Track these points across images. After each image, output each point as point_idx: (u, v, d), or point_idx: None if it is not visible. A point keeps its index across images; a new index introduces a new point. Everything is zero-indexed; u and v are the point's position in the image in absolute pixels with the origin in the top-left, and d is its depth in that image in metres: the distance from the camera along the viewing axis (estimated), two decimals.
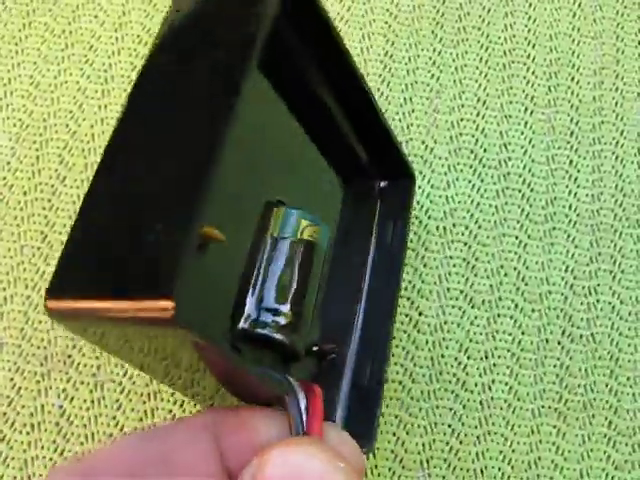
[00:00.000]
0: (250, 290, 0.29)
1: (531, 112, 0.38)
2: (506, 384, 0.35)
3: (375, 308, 0.33)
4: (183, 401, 0.34)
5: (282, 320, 0.30)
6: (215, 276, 0.26)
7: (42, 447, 0.33)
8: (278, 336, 0.29)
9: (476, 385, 0.35)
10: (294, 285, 0.30)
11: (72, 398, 0.34)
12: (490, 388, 0.35)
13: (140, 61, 0.39)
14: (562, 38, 0.39)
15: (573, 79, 0.39)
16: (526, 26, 0.39)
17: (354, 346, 0.33)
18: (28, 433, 0.33)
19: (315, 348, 0.31)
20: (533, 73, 0.39)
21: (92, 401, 0.34)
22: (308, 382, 0.26)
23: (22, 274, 0.36)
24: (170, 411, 0.34)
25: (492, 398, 0.35)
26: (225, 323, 0.27)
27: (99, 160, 0.23)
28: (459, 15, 0.40)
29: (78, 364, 0.34)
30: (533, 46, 0.39)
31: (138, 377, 0.35)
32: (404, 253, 0.33)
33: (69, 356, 0.35)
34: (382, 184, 0.35)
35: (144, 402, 0.34)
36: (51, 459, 0.33)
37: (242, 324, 0.28)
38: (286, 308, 0.29)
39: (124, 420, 0.34)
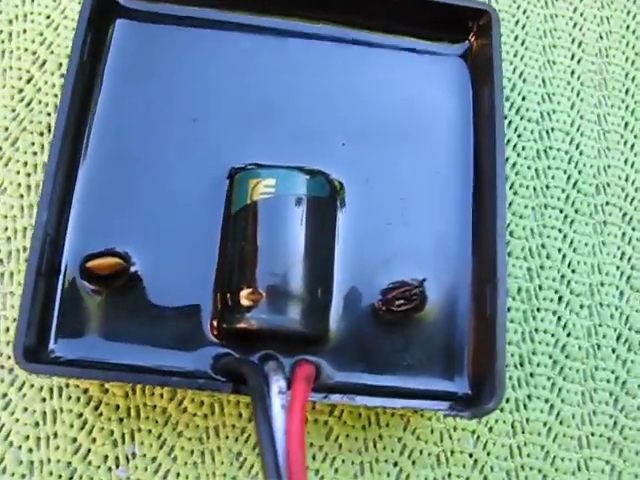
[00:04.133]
0: (225, 286, 0.20)
1: (579, 60, 0.27)
2: (546, 401, 0.23)
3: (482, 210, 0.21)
4: None
5: (248, 302, 0.19)
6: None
7: None
8: (255, 324, 0.19)
9: (507, 401, 0.23)
10: (264, 261, 0.19)
11: None
12: (526, 406, 0.23)
13: None
14: None
15: (628, 28, 0.27)
16: None
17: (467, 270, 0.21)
18: None
19: (399, 299, 0.20)
20: (581, 15, 0.27)
21: None
22: (301, 361, 0.19)
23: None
24: None
25: (527, 420, 0.23)
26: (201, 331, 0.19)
27: None
28: None
29: None
30: None
31: None
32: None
33: None
34: None
35: None
36: None
37: (227, 324, 0.19)
38: (258, 288, 0.19)
39: None
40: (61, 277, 0.19)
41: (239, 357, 0.19)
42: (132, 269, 0.19)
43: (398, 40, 0.22)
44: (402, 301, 0.20)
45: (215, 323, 0.19)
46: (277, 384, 0.17)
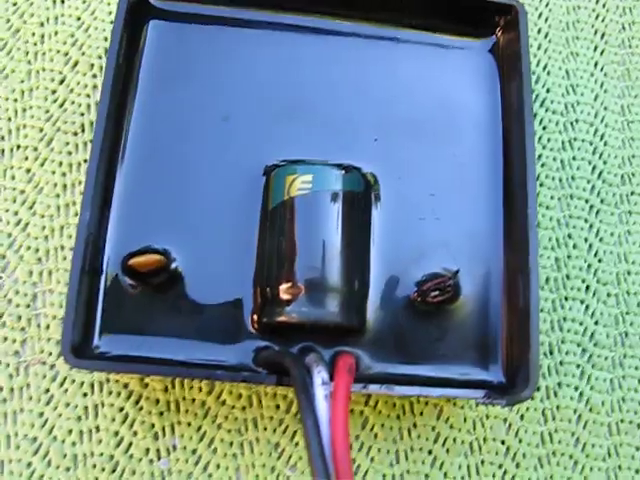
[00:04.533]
0: (264, 281, 0.20)
1: (602, 51, 0.27)
2: (576, 389, 0.23)
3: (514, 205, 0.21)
4: None
5: (288, 296, 0.19)
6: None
7: None
8: (296, 317, 0.19)
9: (538, 389, 0.23)
10: (304, 255, 0.20)
11: None
12: (556, 394, 0.23)
13: None
14: None
15: None
16: None
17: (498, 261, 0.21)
18: None
19: (434, 291, 0.20)
20: (604, 6, 0.28)
21: None
22: (342, 352, 0.20)
23: None
24: None
25: (558, 407, 0.23)
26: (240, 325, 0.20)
27: None
28: None
29: None
30: None
31: None
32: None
33: None
34: None
35: None
36: None
37: (267, 318, 0.20)
38: (297, 282, 0.19)
39: None
40: (104, 275, 0.20)
41: (281, 349, 0.19)
42: (172, 266, 0.20)
43: (426, 36, 0.23)
44: (437, 292, 0.20)
45: (255, 317, 0.20)
46: (320, 375, 0.17)
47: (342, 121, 0.22)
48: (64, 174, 0.23)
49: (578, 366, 0.23)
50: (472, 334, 0.20)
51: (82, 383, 0.22)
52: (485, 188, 0.21)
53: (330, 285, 0.19)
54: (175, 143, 0.21)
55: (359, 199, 0.20)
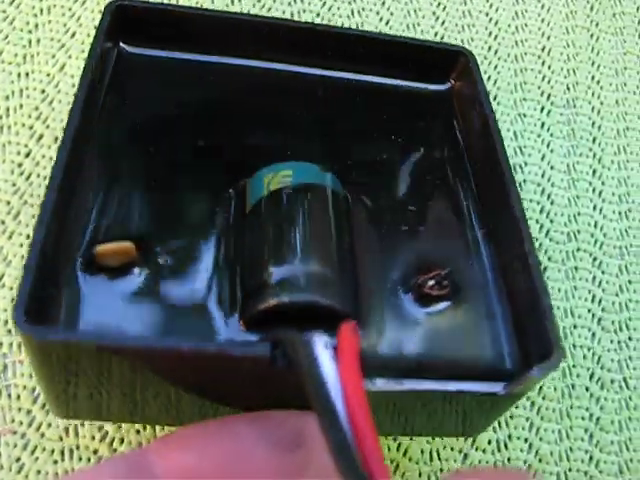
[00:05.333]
0: (246, 279, 0.20)
1: (548, 112, 0.28)
2: (525, 440, 0.25)
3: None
4: None
5: (274, 279, 0.19)
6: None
7: None
8: (277, 300, 0.19)
9: (489, 442, 0.24)
10: (282, 243, 0.20)
11: None
12: (506, 446, 0.25)
13: (75, 23, 0.28)
14: (579, 32, 0.30)
15: (593, 78, 0.29)
16: (539, 15, 0.30)
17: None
18: None
19: (430, 280, 0.20)
20: (549, 68, 0.29)
21: None
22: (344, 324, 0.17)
23: None
24: None
25: (509, 459, 0.24)
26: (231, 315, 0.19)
27: None
28: None
29: None
30: (548, 38, 0.30)
31: None
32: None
33: None
34: None
35: None
36: None
37: (251, 310, 0.19)
38: (282, 267, 0.19)
39: None
40: (71, 266, 0.18)
41: (272, 332, 0.18)
42: (146, 270, 0.19)
43: (385, 80, 0.24)
44: (433, 282, 0.20)
45: (240, 314, 0.19)
46: (322, 340, 0.16)
47: (309, 157, 0.22)
48: None
49: (527, 419, 0.25)
50: (477, 328, 0.20)
51: (52, 451, 0.23)
52: (462, 208, 0.22)
53: (310, 267, 0.19)
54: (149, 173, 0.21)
55: (339, 197, 0.21)
